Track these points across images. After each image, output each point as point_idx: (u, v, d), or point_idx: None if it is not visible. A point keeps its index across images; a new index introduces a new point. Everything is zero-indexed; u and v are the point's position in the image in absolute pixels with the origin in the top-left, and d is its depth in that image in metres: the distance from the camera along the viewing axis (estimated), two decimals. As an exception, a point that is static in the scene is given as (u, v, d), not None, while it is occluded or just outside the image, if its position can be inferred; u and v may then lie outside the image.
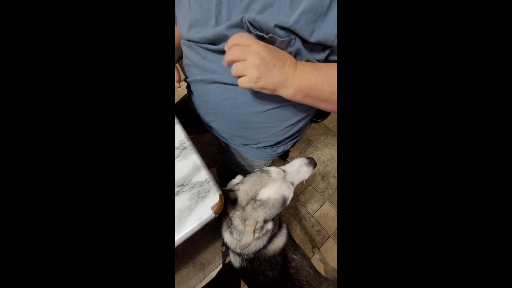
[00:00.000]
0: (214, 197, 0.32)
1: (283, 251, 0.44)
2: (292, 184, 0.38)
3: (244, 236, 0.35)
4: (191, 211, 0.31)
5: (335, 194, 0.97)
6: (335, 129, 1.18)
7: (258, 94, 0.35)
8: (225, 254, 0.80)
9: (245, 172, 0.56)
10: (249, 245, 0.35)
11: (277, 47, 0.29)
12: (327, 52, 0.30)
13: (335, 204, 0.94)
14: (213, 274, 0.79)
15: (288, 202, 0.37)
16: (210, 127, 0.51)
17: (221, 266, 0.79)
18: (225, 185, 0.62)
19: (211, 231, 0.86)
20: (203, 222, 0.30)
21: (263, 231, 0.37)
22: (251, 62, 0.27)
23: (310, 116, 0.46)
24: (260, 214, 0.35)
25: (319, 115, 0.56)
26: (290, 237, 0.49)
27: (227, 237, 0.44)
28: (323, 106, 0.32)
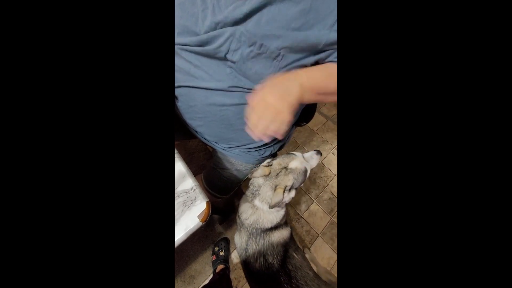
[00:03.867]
0: (200, 205, 0.31)
1: (285, 245, 0.49)
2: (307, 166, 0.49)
3: (274, 196, 0.44)
4: (177, 221, 0.30)
5: (322, 194, 1.00)
6: (319, 131, 1.23)
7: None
8: (216, 263, 0.77)
9: (233, 177, 0.56)
10: (279, 203, 0.44)
11: (265, 57, 0.31)
12: (318, 56, 0.32)
13: (322, 203, 0.97)
14: (204, 285, 0.76)
15: (307, 175, 0.48)
16: (196, 131, 0.50)
17: (211, 276, 0.76)
18: (213, 190, 0.60)
19: (200, 241, 0.83)
20: (189, 232, 0.29)
21: (291, 195, 0.45)
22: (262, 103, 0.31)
23: (295, 116, 0.48)
24: (290, 179, 0.45)
25: (303, 118, 0.58)
26: (292, 238, 0.53)
27: (242, 207, 0.52)
28: (330, 98, 0.37)
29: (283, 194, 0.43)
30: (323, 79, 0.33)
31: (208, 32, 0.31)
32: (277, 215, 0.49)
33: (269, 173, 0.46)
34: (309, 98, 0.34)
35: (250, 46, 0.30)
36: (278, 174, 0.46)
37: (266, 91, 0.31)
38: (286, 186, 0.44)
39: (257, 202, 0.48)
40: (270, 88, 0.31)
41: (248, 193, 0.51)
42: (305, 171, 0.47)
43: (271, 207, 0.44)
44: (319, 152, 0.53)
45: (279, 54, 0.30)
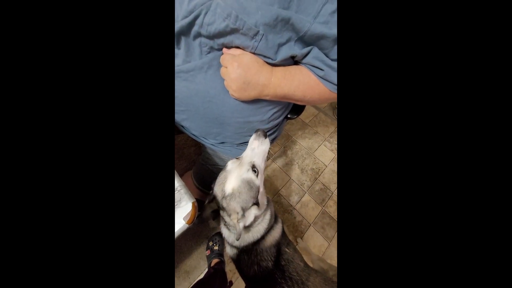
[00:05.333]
0: (186, 206, 0.29)
1: (278, 245, 0.47)
2: (254, 163, 0.39)
3: (236, 228, 0.37)
4: (161, 224, 0.28)
5: (314, 185, 1.02)
6: (311, 124, 1.23)
7: None
8: (211, 257, 0.77)
9: (224, 173, 0.54)
10: (241, 234, 0.37)
11: (242, 34, 0.28)
12: (301, 47, 0.30)
13: (314, 194, 1.00)
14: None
15: (256, 181, 0.38)
16: (183, 126, 0.47)
17: (206, 270, 0.77)
18: (203, 187, 0.59)
19: (194, 237, 0.83)
20: (175, 234, 0.28)
21: (251, 219, 0.38)
22: (229, 75, 0.31)
23: (284, 109, 0.46)
24: (236, 205, 0.37)
25: (294, 111, 0.57)
26: (283, 232, 0.51)
27: (224, 232, 0.47)
28: (298, 103, 0.38)
29: (238, 224, 0.36)
30: (291, 88, 0.33)
31: (186, 16, 0.29)
32: (263, 223, 0.45)
33: (219, 208, 0.40)
34: (269, 98, 0.35)
35: (225, 19, 0.26)
36: (223, 204, 0.38)
37: (235, 67, 0.30)
38: (237, 214, 0.36)
39: (232, 230, 0.43)
40: (242, 69, 0.30)
41: (222, 222, 0.46)
42: (247, 182, 0.36)
43: (237, 239, 0.37)
44: (259, 134, 0.40)
45: (257, 33, 0.27)
